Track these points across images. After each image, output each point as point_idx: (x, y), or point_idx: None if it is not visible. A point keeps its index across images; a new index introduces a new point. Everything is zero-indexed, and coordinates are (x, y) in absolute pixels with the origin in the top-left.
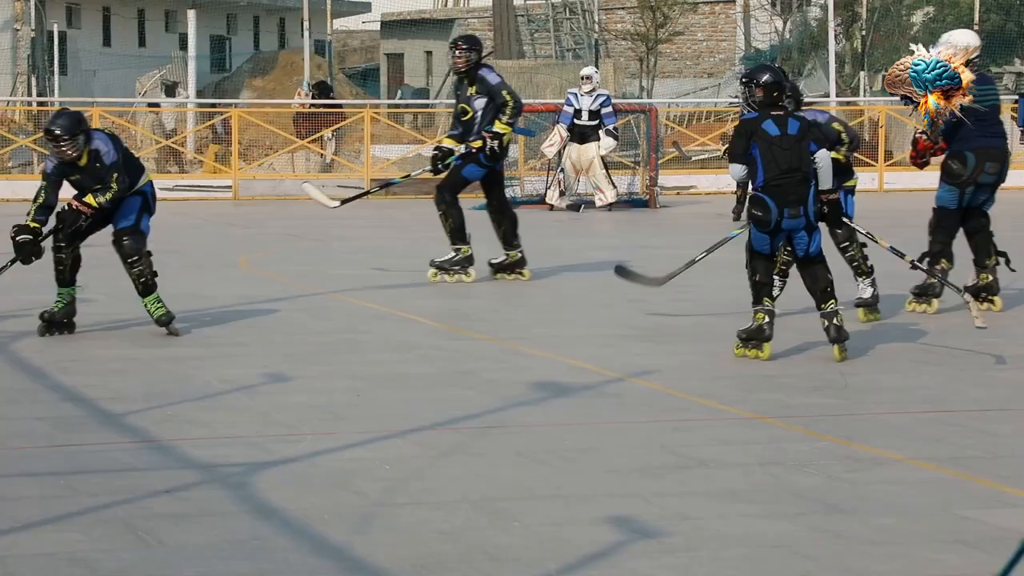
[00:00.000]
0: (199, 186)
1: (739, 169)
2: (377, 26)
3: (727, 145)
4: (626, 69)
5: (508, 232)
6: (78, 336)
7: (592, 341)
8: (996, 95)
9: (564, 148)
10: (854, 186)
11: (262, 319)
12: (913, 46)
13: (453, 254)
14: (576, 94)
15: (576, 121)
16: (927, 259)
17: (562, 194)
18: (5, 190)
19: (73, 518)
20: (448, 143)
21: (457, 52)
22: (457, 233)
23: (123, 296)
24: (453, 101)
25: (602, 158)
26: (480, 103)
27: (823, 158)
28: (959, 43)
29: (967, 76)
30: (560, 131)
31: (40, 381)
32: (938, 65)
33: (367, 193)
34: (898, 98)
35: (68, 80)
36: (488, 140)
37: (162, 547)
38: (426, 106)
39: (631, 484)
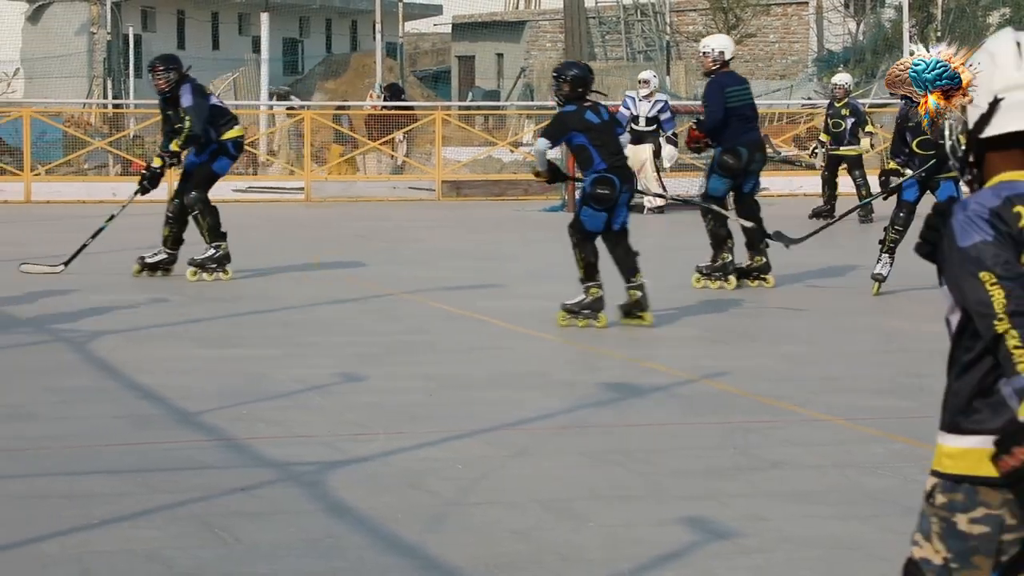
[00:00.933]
0: (272, 188)
1: (545, 144)
2: (448, 28)
3: (808, 150)
4: (698, 71)
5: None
6: (152, 336)
7: (661, 343)
8: (750, 94)
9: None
10: (957, 176)
11: (334, 319)
12: (913, 46)
13: (214, 251)
14: (633, 98)
15: (633, 126)
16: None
17: None
18: (81, 191)
19: (149, 515)
20: (159, 162)
21: (156, 75)
22: (214, 231)
23: (195, 298)
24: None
25: (656, 164)
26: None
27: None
28: (716, 47)
29: (967, 76)
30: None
31: (116, 380)
32: (938, 65)
33: (84, 246)
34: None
35: (143, 83)
36: (166, 158)
37: (238, 544)
38: (497, 108)
39: (703, 485)
